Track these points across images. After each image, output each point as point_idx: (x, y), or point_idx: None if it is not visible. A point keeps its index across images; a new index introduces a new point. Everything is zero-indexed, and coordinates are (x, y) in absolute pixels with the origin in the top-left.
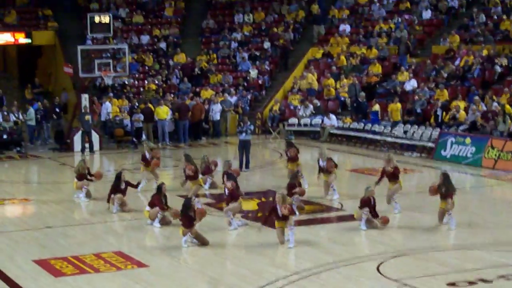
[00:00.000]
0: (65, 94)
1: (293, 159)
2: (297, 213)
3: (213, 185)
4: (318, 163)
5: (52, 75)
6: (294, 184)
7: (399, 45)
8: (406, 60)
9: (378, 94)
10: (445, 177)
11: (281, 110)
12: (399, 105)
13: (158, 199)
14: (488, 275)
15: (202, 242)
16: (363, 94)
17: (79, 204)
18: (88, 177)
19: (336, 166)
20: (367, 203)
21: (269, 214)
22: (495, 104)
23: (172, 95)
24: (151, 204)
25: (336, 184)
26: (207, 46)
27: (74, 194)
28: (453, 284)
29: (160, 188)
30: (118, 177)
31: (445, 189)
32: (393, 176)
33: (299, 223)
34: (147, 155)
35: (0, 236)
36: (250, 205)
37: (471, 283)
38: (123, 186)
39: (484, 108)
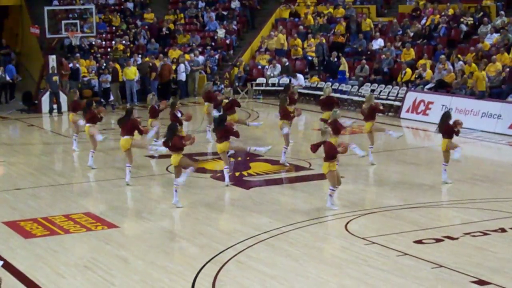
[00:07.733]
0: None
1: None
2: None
3: None
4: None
5: (19, 36)
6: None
7: (349, 24)
8: (357, 39)
9: (345, 53)
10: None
11: (246, 70)
12: (484, 73)
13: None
14: (454, 232)
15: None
16: (335, 53)
17: (47, 165)
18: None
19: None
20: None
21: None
22: (460, 63)
23: (141, 56)
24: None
25: (304, 144)
26: (174, 6)
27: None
28: (420, 241)
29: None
30: (130, 111)
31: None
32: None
33: (269, 182)
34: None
35: None
36: (217, 165)
37: (437, 240)
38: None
39: (450, 67)
